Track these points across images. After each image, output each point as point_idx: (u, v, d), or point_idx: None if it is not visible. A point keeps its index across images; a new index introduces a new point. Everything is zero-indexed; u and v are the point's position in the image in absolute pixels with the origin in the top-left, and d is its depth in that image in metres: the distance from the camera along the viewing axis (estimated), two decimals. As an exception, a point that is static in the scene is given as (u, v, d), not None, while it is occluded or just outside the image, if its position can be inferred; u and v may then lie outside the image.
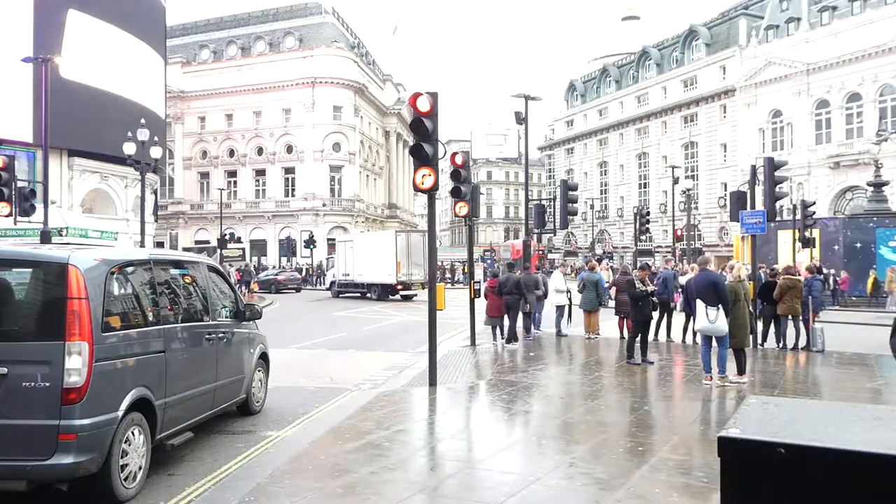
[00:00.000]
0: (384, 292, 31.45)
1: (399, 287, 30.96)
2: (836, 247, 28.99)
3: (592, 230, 65.83)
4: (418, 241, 31.81)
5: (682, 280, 15.37)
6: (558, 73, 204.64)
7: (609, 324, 16.54)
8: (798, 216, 26.36)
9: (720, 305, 9.70)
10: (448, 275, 47.52)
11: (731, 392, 9.34)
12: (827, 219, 33.82)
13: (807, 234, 26.19)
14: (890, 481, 1.51)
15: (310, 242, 48.44)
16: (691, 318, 14.33)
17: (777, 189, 14.30)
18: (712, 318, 9.71)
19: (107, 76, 35.30)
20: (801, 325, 13.69)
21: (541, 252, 56.42)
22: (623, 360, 12.05)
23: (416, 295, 31.83)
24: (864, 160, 42.08)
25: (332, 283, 36.56)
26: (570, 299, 16.89)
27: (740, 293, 10.46)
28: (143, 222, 22.76)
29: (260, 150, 60.38)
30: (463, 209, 13.21)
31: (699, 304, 9.95)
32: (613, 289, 16.02)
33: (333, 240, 45.14)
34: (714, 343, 10.05)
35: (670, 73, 63.56)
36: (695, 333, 14.13)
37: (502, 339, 14.51)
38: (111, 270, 5.51)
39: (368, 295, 32.44)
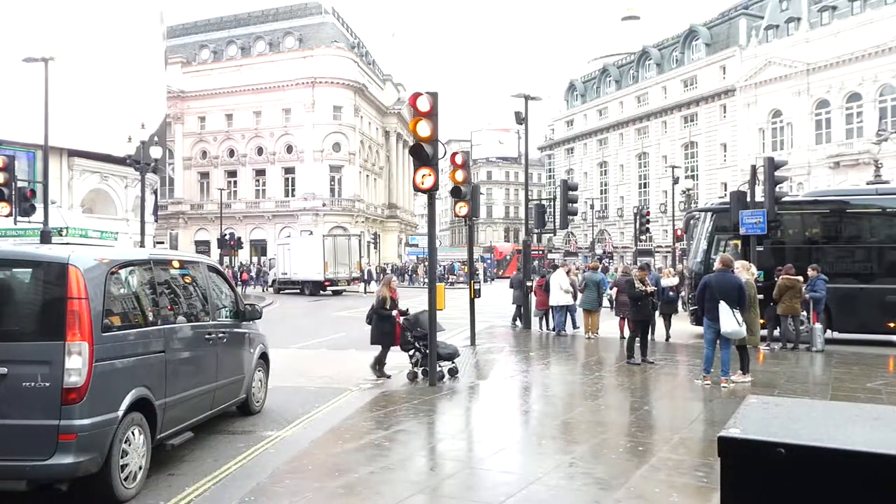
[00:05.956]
0: (315, 288, 35.81)
1: (327, 284, 35.82)
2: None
3: (592, 230, 65.77)
4: (343, 243, 37.91)
5: (664, 282, 15.62)
6: (558, 73, 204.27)
7: (609, 324, 16.56)
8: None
9: (739, 307, 9.58)
10: (449, 275, 47.31)
11: (730, 392, 9.33)
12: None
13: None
14: (890, 481, 1.51)
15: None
16: (669, 318, 15.45)
17: (777, 189, 14.29)
18: (741, 321, 9.50)
19: (107, 76, 35.27)
20: (799, 324, 13.69)
21: (541, 252, 56.43)
22: (623, 360, 12.05)
23: (343, 291, 37.12)
24: (864, 160, 42.02)
25: (274, 280, 40.68)
26: (574, 298, 16.88)
27: (754, 292, 10.48)
28: (143, 222, 22.77)
29: (260, 150, 60.34)
30: (463, 209, 13.20)
31: (723, 306, 9.45)
32: (615, 289, 16.08)
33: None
34: (718, 345, 9.89)
35: (670, 73, 63.50)
36: (666, 336, 15.07)
37: (548, 328, 17.17)
38: (111, 270, 5.52)
39: (305, 291, 36.31)
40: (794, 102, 49.08)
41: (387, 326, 10.74)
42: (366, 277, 39.39)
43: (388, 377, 10.62)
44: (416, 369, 10.48)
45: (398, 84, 73.17)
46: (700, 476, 5.68)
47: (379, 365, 10.75)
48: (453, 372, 10.62)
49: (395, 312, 10.83)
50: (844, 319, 14.41)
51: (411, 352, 10.61)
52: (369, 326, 11.00)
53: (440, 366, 10.42)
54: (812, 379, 11.16)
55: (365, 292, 37.60)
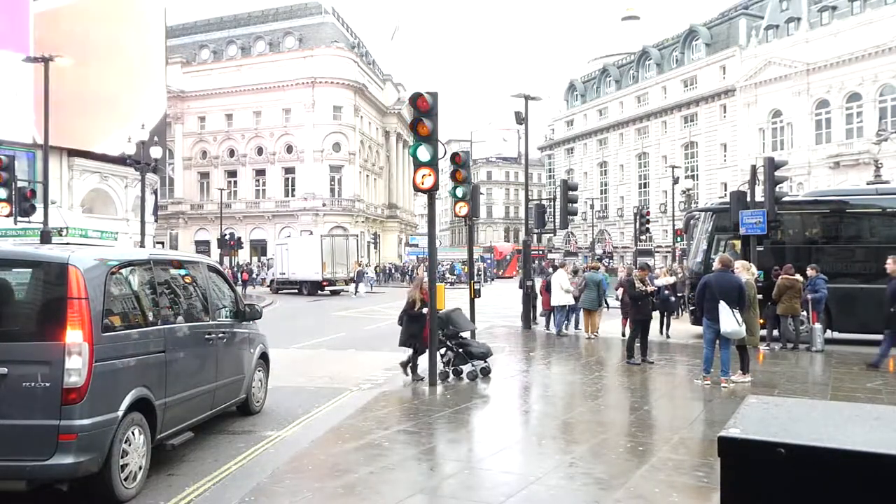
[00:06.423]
0: (314, 288, 35.97)
1: (325, 283, 35.94)
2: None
3: (592, 230, 65.75)
4: (341, 244, 38.13)
5: (658, 282, 16.07)
6: (558, 73, 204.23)
7: (609, 324, 16.56)
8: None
9: (739, 307, 9.55)
10: (449, 275, 47.17)
11: (731, 392, 9.33)
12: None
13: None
14: (890, 481, 1.51)
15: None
16: (666, 317, 16.10)
17: (777, 189, 14.28)
18: (741, 321, 9.46)
19: (107, 76, 35.28)
20: (799, 324, 13.68)
21: (541, 252, 56.41)
22: (623, 360, 12.05)
23: (342, 291, 37.02)
24: (863, 160, 42.02)
25: (272, 280, 40.88)
26: (575, 298, 16.87)
27: (754, 292, 10.47)
28: (143, 222, 22.77)
29: (260, 150, 60.35)
30: (463, 209, 13.20)
31: (723, 306, 9.43)
32: (621, 290, 16.11)
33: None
34: (717, 345, 9.84)
35: (670, 72, 63.50)
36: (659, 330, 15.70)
37: (549, 328, 17.00)
38: (111, 270, 5.51)
39: (303, 291, 36.50)
40: (794, 102, 49.09)
41: (415, 328, 10.32)
42: (356, 279, 37.32)
43: (405, 376, 10.42)
44: (447, 369, 10.24)
45: (398, 84, 73.16)
46: (700, 476, 5.68)
47: (409, 366, 10.40)
48: (486, 371, 10.41)
49: (425, 310, 10.29)
50: (844, 319, 14.40)
51: (443, 350, 10.33)
52: (400, 328, 10.68)
53: (473, 364, 10.32)
54: (812, 379, 11.16)
55: (355, 293, 36.27)
